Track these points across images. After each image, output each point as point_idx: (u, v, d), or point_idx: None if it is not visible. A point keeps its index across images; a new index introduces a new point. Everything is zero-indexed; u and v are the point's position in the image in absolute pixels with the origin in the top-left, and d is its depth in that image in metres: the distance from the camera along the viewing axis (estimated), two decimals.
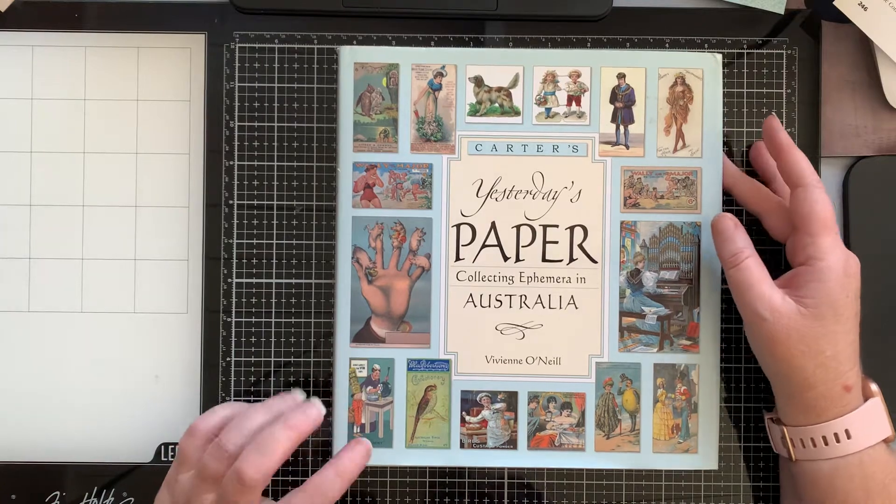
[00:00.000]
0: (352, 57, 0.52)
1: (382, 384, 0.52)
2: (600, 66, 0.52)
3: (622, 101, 0.52)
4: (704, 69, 0.52)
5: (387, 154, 0.52)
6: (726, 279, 0.50)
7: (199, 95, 0.55)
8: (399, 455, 0.52)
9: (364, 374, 0.52)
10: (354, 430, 0.52)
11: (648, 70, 0.52)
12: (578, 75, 0.52)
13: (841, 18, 0.54)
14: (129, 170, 0.55)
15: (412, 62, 0.52)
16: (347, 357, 0.52)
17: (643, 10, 0.55)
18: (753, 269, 0.48)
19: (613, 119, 0.52)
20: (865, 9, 0.53)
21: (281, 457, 0.46)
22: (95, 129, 0.55)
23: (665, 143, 0.52)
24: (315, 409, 0.48)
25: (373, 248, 0.52)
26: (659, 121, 0.52)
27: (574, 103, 0.52)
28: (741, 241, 0.49)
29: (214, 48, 0.55)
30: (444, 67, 0.52)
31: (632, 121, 0.52)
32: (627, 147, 0.52)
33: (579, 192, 0.52)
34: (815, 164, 0.54)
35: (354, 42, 0.54)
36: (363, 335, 0.52)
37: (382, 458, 0.52)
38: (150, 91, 0.55)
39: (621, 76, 0.52)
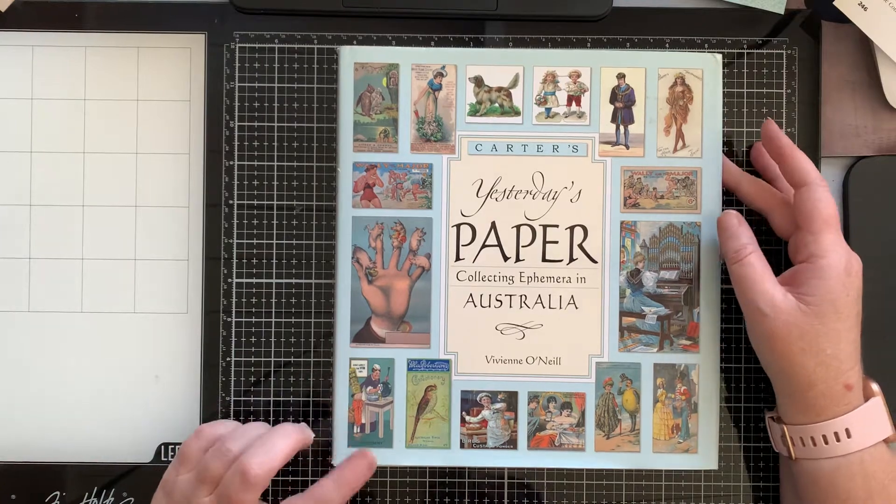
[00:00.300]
0: (352, 57, 0.52)
1: (382, 384, 0.52)
2: (600, 67, 0.52)
3: (622, 102, 0.52)
4: (704, 69, 0.52)
5: (387, 154, 0.52)
6: (729, 275, 0.50)
7: (199, 95, 0.55)
8: (399, 455, 0.52)
9: (364, 374, 0.52)
10: (354, 430, 0.52)
11: (648, 70, 0.52)
12: (578, 75, 0.52)
13: (841, 18, 0.54)
14: (129, 170, 0.55)
15: (412, 62, 0.52)
16: (347, 357, 0.52)
17: (643, 10, 0.55)
18: (756, 264, 0.48)
19: (613, 119, 0.52)
20: (865, 9, 0.53)
21: (283, 458, 0.47)
22: (95, 129, 0.55)
23: (665, 144, 0.52)
24: (309, 430, 0.51)
25: (373, 248, 0.52)
26: (659, 121, 0.52)
27: (574, 103, 0.52)
28: (745, 236, 0.49)
29: (214, 48, 0.55)
30: (444, 67, 0.52)
31: (632, 121, 0.52)
32: (627, 147, 0.52)
33: (579, 192, 0.52)
34: (815, 164, 0.54)
35: (354, 42, 0.54)
36: (363, 335, 0.52)
37: (383, 458, 0.52)
38: (150, 91, 0.55)
39: (621, 76, 0.52)
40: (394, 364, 0.52)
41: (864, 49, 0.55)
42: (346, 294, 0.52)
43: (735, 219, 0.50)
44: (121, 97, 0.55)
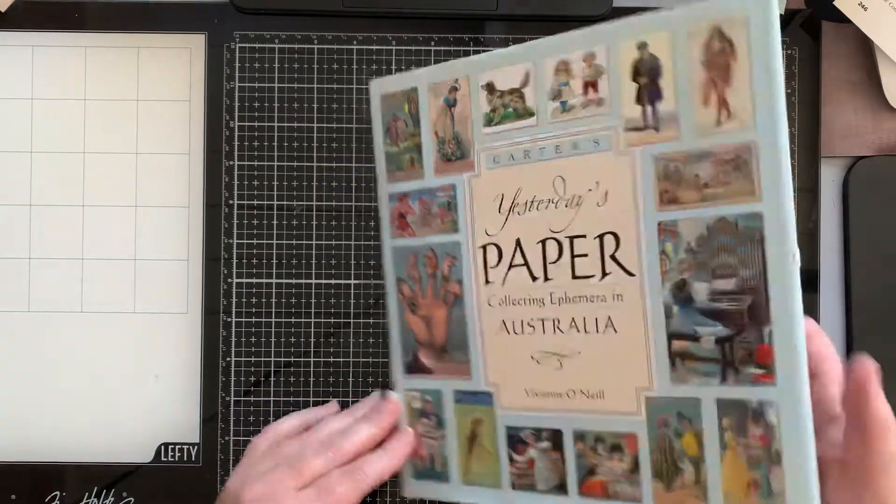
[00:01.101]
0: (378, 89, 0.50)
1: (435, 416, 0.49)
2: (618, 42, 0.43)
3: (646, 76, 0.42)
4: (749, 13, 0.39)
5: (415, 182, 0.49)
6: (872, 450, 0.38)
7: (199, 95, 0.55)
8: (456, 491, 0.48)
9: (418, 405, 0.49)
10: (417, 463, 0.50)
11: (675, 33, 0.41)
12: (593, 57, 0.44)
13: (841, 18, 0.54)
14: (129, 170, 0.55)
15: (428, 82, 0.48)
16: (403, 388, 0.50)
17: (643, 10, 0.55)
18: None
19: (638, 99, 0.42)
20: (865, 9, 0.53)
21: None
22: (95, 129, 0.55)
23: (704, 118, 0.40)
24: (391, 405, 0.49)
25: (412, 277, 0.49)
26: (693, 91, 0.41)
27: (591, 89, 0.44)
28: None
29: (214, 48, 0.55)
30: (457, 81, 0.48)
31: (660, 97, 0.42)
32: (658, 130, 0.42)
33: (605, 194, 0.43)
34: (815, 164, 0.54)
35: (354, 42, 0.54)
36: (413, 366, 0.50)
37: (440, 493, 0.49)
38: (150, 91, 0.55)
39: (642, 46, 0.42)
40: (441, 396, 0.49)
41: (864, 49, 0.55)
42: (396, 326, 0.50)
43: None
44: (121, 97, 0.55)
